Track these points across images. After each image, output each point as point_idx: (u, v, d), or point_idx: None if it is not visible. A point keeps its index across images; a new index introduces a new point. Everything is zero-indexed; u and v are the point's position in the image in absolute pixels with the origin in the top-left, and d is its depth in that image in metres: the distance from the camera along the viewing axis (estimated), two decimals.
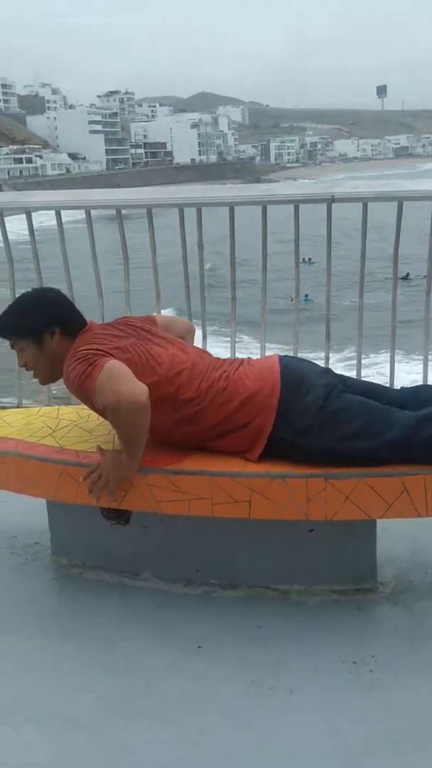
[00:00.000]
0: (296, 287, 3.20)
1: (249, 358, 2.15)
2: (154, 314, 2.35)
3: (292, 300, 3.24)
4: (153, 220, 3.21)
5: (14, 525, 2.58)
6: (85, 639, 1.98)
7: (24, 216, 3.22)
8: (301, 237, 3.08)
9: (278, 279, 3.31)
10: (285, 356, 2.11)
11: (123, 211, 3.26)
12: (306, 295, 17.18)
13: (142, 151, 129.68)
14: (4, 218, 3.29)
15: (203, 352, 2.17)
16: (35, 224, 3.29)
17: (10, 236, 3.32)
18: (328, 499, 1.88)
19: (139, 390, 1.80)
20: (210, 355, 2.17)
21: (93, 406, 1.98)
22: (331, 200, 2.90)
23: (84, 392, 1.90)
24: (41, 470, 2.07)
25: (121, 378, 1.81)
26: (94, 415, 2.35)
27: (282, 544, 2.12)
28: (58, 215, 3.27)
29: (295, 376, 1.98)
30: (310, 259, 17.76)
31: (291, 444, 1.92)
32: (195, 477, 1.93)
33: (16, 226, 3.55)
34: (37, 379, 2.17)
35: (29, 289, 2.25)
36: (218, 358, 2.13)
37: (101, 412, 1.97)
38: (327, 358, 3.06)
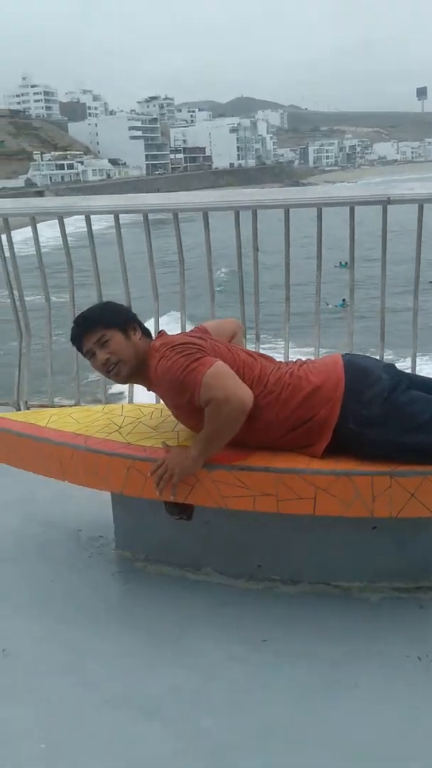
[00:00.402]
0: (350, 288, 3.23)
1: (309, 358, 2.19)
2: (203, 324, 2.37)
3: (327, 305, 3.31)
4: (209, 223, 3.27)
5: (78, 519, 2.65)
6: (152, 631, 2.03)
7: (47, 223, 3.36)
8: (327, 240, 3.14)
9: (308, 282, 3.35)
10: (347, 353, 2.14)
11: (158, 216, 3.35)
12: (343, 300, 17.09)
13: (181, 156, 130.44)
14: (36, 223, 3.42)
15: (265, 355, 2.21)
16: (68, 230, 3.41)
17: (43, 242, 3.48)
18: (394, 496, 1.91)
19: (249, 394, 1.91)
20: (272, 357, 2.22)
21: (180, 401, 2.02)
22: (387, 202, 2.93)
23: (183, 385, 1.94)
24: (110, 465, 2.13)
25: (232, 378, 1.92)
26: (156, 412, 2.42)
27: (344, 540, 2.14)
28: (116, 219, 3.35)
29: (359, 369, 2.03)
30: (345, 263, 17.64)
31: (357, 435, 1.96)
32: (261, 473, 1.97)
33: (47, 233, 3.68)
34: (115, 378, 2.18)
35: None
36: (280, 361, 2.19)
37: (186, 409, 2.04)
38: (381, 358, 3.08)
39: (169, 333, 2.22)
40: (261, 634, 1.97)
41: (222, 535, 2.25)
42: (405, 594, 2.11)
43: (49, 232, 3.90)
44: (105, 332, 2.13)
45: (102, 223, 3.57)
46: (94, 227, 3.36)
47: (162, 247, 3.43)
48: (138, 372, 2.16)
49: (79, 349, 2.20)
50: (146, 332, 2.22)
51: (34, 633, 2.06)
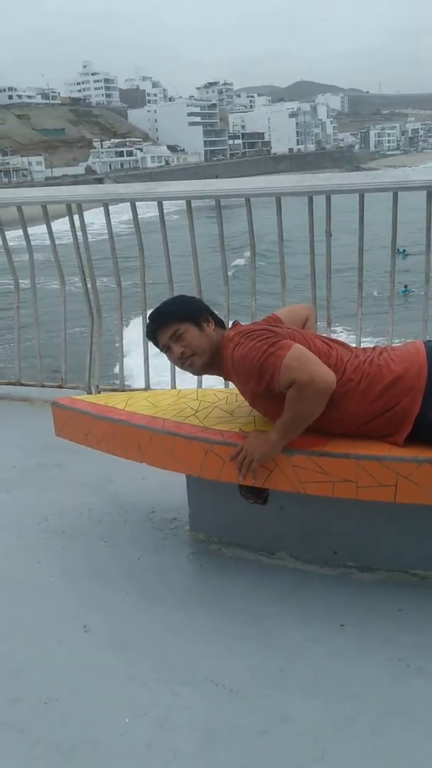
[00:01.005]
0: (426, 273, 3.17)
1: (390, 344, 2.17)
2: (275, 312, 2.37)
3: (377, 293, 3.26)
4: (282, 209, 3.26)
5: (153, 501, 2.70)
6: (229, 612, 2.06)
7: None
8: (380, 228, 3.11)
9: (368, 267, 3.31)
10: (430, 340, 2.11)
11: (210, 203, 3.37)
12: (405, 286, 16.78)
13: (239, 141, 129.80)
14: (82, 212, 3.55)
15: (341, 342, 2.19)
16: (123, 218, 3.47)
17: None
18: None
19: (332, 375, 1.91)
20: (347, 344, 2.20)
21: (258, 388, 2.02)
22: None
23: (262, 369, 1.95)
24: (188, 448, 2.15)
25: (314, 360, 1.92)
26: (231, 397, 2.44)
27: (422, 529, 2.12)
28: (189, 204, 3.37)
29: None
30: (404, 250, 16.78)
31: None
32: (340, 460, 1.96)
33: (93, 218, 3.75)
34: (191, 370, 2.23)
35: None
36: (359, 348, 2.17)
37: (265, 396, 2.04)
38: None
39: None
40: (339, 619, 1.98)
41: (297, 520, 2.26)
42: None
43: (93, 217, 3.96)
44: (179, 326, 2.17)
45: (151, 212, 3.62)
46: (121, 217, 3.47)
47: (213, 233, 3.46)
48: (213, 362, 2.19)
49: (155, 344, 2.26)
50: (219, 322, 2.25)
51: (114, 611, 2.10)
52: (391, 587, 2.11)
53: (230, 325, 2.27)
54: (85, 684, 1.81)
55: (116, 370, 3.96)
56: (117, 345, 3.87)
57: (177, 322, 2.18)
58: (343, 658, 1.83)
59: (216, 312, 2.30)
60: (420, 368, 1.97)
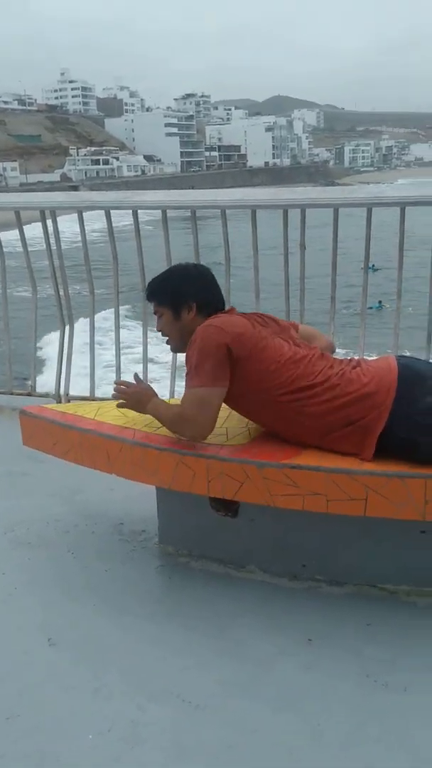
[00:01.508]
0: (398, 290, 3.20)
1: (364, 358, 2.17)
2: (298, 323, 2.45)
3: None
4: (256, 221, 3.27)
5: (121, 512, 2.66)
6: (198, 625, 2.03)
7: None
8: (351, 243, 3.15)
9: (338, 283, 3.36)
10: (402, 356, 2.12)
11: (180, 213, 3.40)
12: (379, 302, 16.92)
13: (216, 153, 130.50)
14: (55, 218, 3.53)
15: (324, 354, 2.19)
16: (94, 227, 3.48)
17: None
18: None
19: (206, 433, 2.09)
20: (330, 356, 2.20)
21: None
22: None
23: (186, 357, 2.12)
24: (159, 459, 2.13)
25: (210, 411, 2.06)
26: None
27: (391, 543, 2.12)
28: (164, 214, 3.36)
29: (413, 374, 1.99)
30: (374, 265, 17.21)
31: (408, 443, 1.93)
32: (311, 472, 1.96)
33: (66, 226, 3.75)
34: (169, 346, 2.33)
35: (188, 262, 2.44)
36: (337, 359, 2.17)
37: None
38: (428, 359, 3.04)
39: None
40: (307, 632, 1.97)
41: (267, 534, 2.25)
42: None
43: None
44: (158, 308, 2.26)
45: (123, 221, 3.62)
46: (93, 225, 3.48)
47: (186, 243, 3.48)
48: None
49: None
50: (206, 308, 2.21)
51: (80, 624, 2.07)
52: (360, 601, 2.11)
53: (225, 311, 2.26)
54: (50, 698, 1.77)
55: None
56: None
57: (156, 303, 2.26)
58: (312, 672, 1.82)
59: None
60: (390, 385, 1.97)
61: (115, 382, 2.32)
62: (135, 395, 2.25)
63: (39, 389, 3.96)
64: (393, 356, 2.11)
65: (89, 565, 2.37)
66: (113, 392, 2.32)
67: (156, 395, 2.25)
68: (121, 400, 2.28)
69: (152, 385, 2.31)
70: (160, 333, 2.31)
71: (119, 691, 1.78)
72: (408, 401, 1.94)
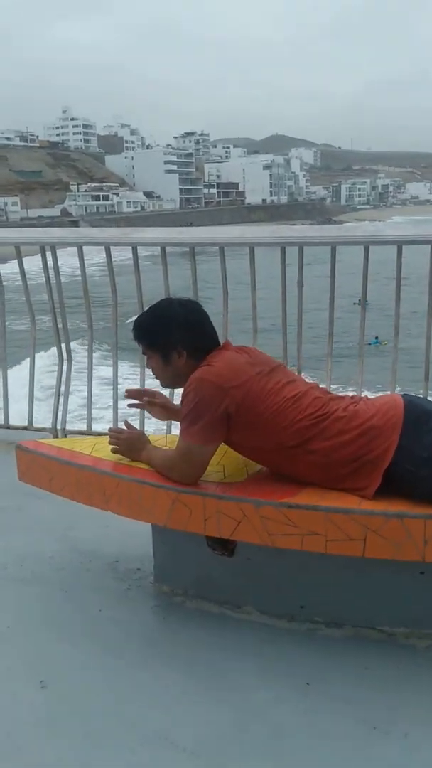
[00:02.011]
0: (395, 326, 3.21)
1: (367, 396, 2.17)
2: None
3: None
4: (255, 258, 3.30)
5: (116, 550, 2.63)
6: (193, 668, 1.99)
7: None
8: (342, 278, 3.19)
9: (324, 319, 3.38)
10: (406, 393, 2.12)
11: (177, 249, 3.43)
12: (376, 337, 16.97)
13: (215, 191, 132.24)
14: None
15: (320, 388, 2.19)
16: (92, 261, 3.53)
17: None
18: None
19: (192, 482, 2.09)
20: (326, 390, 2.20)
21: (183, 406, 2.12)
22: None
23: (182, 400, 2.11)
24: (155, 496, 2.11)
25: (200, 466, 2.09)
26: None
27: (390, 584, 2.09)
28: (163, 251, 3.39)
29: (420, 410, 2.00)
30: (366, 302, 17.16)
31: (413, 476, 1.92)
32: (309, 512, 1.94)
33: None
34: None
35: (172, 297, 2.41)
36: (336, 394, 2.16)
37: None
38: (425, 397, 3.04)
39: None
40: (305, 676, 1.92)
41: (264, 573, 2.22)
42: None
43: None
44: (146, 350, 2.23)
45: (121, 255, 3.65)
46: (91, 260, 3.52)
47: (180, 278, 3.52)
48: (181, 383, 2.17)
49: None
50: (196, 353, 2.14)
51: (73, 666, 2.02)
52: (358, 644, 2.07)
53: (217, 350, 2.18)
54: (39, 742, 1.73)
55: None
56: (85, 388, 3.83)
57: (145, 346, 2.22)
58: (308, 719, 1.78)
59: None
60: (396, 420, 1.97)
61: (110, 429, 2.36)
62: (128, 442, 2.27)
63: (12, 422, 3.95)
64: (398, 394, 2.11)
65: (83, 603, 2.33)
66: (108, 437, 2.33)
67: (149, 442, 2.26)
68: (114, 446, 2.29)
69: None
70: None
71: (110, 735, 1.73)
72: (414, 436, 1.94)
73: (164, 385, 2.30)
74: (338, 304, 3.32)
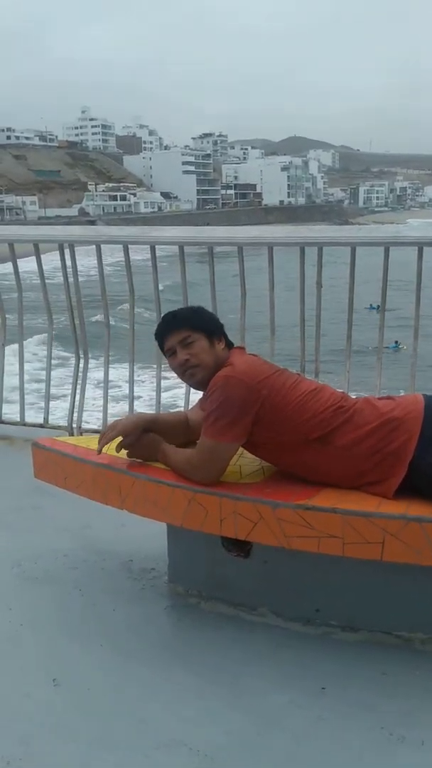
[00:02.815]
0: (415, 328, 3.17)
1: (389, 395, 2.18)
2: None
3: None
4: (273, 258, 3.27)
5: (131, 550, 2.61)
6: (207, 671, 1.97)
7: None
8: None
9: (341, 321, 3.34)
10: (428, 395, 2.10)
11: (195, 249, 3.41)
12: (396, 342, 16.84)
13: (232, 192, 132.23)
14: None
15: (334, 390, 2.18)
16: (108, 261, 3.57)
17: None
18: None
19: (212, 482, 2.07)
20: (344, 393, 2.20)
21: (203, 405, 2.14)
22: None
23: (205, 400, 2.10)
24: (172, 496, 2.09)
25: (221, 463, 2.07)
26: None
27: (407, 589, 2.06)
28: (181, 250, 3.38)
29: None
30: (378, 306, 16.88)
31: None
32: (327, 514, 1.91)
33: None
34: (190, 381, 2.21)
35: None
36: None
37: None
38: None
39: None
40: (320, 681, 1.90)
41: (280, 576, 2.19)
42: None
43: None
44: (191, 333, 2.16)
45: (138, 255, 3.66)
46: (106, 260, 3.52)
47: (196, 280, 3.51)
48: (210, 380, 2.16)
49: (161, 345, 2.23)
50: (230, 345, 2.23)
51: (86, 665, 2.01)
52: (375, 649, 2.04)
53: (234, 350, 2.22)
54: (52, 743, 1.71)
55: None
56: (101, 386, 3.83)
57: (190, 329, 2.16)
58: (324, 725, 1.75)
59: None
60: (417, 414, 1.97)
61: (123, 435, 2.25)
62: (141, 444, 2.22)
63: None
64: (420, 394, 2.10)
65: (97, 603, 2.31)
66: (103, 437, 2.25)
67: (163, 441, 2.21)
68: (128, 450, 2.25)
69: None
70: (180, 367, 2.17)
71: (124, 738, 1.71)
72: None
73: (202, 375, 2.14)
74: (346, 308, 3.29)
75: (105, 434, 2.22)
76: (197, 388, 2.22)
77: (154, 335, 2.26)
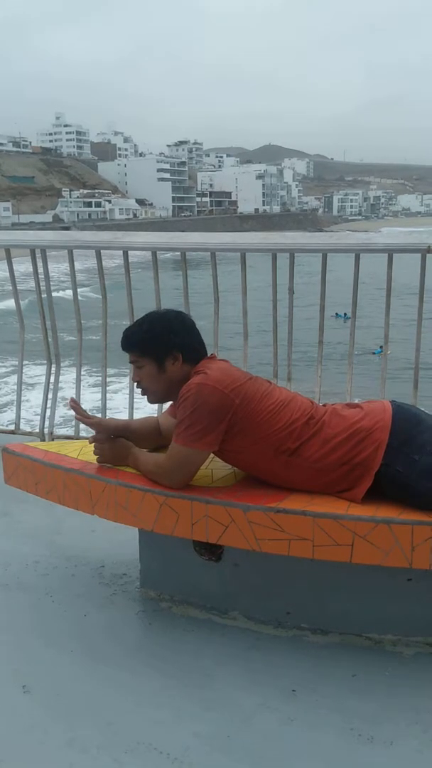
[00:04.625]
0: (386, 333, 3.21)
1: (355, 401, 2.18)
2: None
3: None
4: (246, 265, 3.29)
5: (102, 555, 2.60)
6: (178, 673, 1.97)
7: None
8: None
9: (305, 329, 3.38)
10: (395, 400, 2.12)
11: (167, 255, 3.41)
12: (380, 347, 16.92)
13: (207, 199, 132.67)
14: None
15: (304, 397, 2.19)
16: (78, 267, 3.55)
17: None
18: None
19: (177, 487, 2.07)
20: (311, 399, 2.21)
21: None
22: (426, 251, 2.92)
23: (178, 408, 2.07)
24: (143, 500, 2.09)
25: (190, 469, 2.07)
26: None
27: (377, 591, 2.08)
28: (154, 255, 3.38)
29: (409, 414, 2.02)
30: (345, 314, 16.77)
31: (403, 479, 1.92)
32: (297, 517, 1.93)
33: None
34: (144, 397, 2.24)
35: (166, 309, 2.31)
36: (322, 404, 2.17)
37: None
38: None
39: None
40: (291, 683, 1.91)
41: (251, 579, 2.20)
42: None
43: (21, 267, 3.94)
44: (138, 359, 2.15)
45: (111, 262, 3.65)
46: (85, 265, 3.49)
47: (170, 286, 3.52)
48: (171, 395, 2.17)
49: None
50: (192, 356, 2.14)
51: (57, 671, 2.00)
52: (345, 651, 2.05)
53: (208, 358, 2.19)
54: (22, 748, 1.70)
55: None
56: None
57: (138, 354, 2.15)
58: (294, 726, 1.76)
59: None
60: (385, 424, 1.98)
61: (91, 438, 2.25)
62: (111, 449, 2.22)
63: None
64: (387, 400, 2.11)
65: (68, 609, 2.30)
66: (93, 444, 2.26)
67: (133, 446, 2.22)
68: (98, 455, 2.25)
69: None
70: (136, 384, 2.21)
71: (94, 743, 1.71)
72: (403, 438, 1.95)
73: (153, 399, 2.22)
74: (313, 315, 3.32)
75: (96, 451, 2.24)
76: (152, 403, 2.29)
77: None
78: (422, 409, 2.17)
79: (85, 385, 3.85)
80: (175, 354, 2.12)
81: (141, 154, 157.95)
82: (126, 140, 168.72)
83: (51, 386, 3.79)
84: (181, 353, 2.12)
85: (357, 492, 1.96)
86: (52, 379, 3.79)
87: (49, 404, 3.77)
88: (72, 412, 2.23)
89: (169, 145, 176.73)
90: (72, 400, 2.26)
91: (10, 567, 2.56)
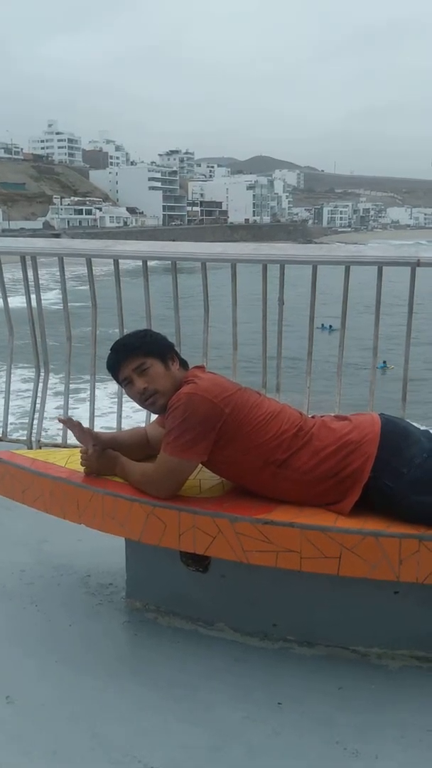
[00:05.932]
0: (375, 346, 3.22)
1: (344, 414, 2.19)
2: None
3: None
4: (236, 275, 3.30)
5: (89, 564, 2.59)
6: (163, 685, 1.96)
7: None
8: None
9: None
10: (383, 413, 2.13)
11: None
12: (384, 362, 16.72)
13: (198, 209, 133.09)
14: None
15: (293, 408, 2.19)
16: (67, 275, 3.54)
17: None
18: (421, 561, 1.86)
19: (170, 496, 2.06)
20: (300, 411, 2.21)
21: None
22: (416, 264, 2.94)
23: (167, 418, 2.06)
24: (130, 510, 2.08)
25: (180, 478, 2.06)
26: None
27: (364, 604, 2.08)
28: (145, 264, 3.38)
29: (397, 427, 2.03)
30: (331, 326, 15.16)
31: (391, 492, 1.92)
32: (285, 529, 1.92)
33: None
34: (151, 408, 2.17)
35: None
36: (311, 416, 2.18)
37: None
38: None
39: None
40: (277, 695, 1.90)
41: (238, 591, 2.19)
42: (426, 663, 2.03)
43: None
44: (145, 360, 2.11)
45: (99, 270, 3.64)
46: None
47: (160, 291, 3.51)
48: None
49: (115, 376, 2.17)
50: (183, 363, 2.22)
51: (41, 681, 1.98)
52: (332, 664, 2.05)
53: (193, 368, 2.20)
54: (5, 759, 1.68)
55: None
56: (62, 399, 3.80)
57: (143, 356, 2.11)
58: (279, 739, 1.75)
59: None
60: (374, 437, 1.98)
61: (81, 451, 2.23)
62: (99, 458, 2.20)
63: None
64: (375, 413, 2.12)
65: (53, 618, 2.29)
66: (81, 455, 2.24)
67: (121, 456, 2.20)
68: (86, 465, 2.23)
69: None
70: (140, 395, 2.11)
71: (78, 755, 1.69)
72: (392, 451, 1.95)
73: (162, 401, 2.10)
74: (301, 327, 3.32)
75: (83, 461, 2.23)
76: (159, 413, 2.18)
77: (106, 367, 2.19)
78: (411, 422, 2.18)
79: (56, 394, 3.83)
80: (172, 355, 2.17)
81: (132, 163, 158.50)
82: (118, 149, 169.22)
83: (39, 394, 3.77)
84: (176, 356, 2.19)
85: (345, 504, 1.96)
86: (40, 387, 3.77)
87: (36, 412, 3.75)
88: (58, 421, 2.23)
89: (160, 154, 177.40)
90: (60, 417, 2.29)
91: None
